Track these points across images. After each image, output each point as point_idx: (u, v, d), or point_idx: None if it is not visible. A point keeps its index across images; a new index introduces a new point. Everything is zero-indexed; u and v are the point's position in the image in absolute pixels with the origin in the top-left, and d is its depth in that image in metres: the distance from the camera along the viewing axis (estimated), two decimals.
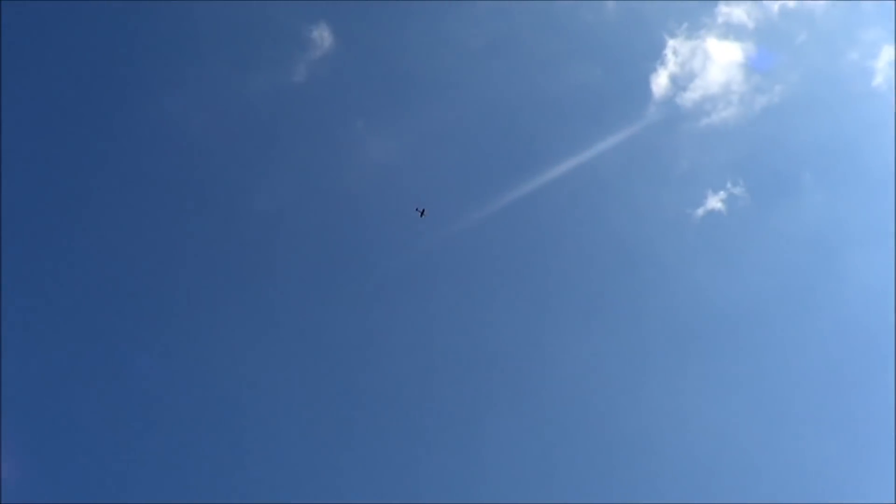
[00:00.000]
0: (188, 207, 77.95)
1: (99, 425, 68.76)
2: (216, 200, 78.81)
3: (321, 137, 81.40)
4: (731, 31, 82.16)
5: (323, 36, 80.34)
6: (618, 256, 78.46)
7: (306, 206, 79.63)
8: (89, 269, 73.87)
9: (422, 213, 63.99)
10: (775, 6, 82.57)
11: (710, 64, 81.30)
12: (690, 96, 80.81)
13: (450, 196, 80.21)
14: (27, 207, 73.25)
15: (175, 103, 79.49)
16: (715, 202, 77.65)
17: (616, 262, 78.44)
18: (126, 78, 79.12)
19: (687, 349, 75.47)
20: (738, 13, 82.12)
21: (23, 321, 70.07)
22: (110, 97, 78.58)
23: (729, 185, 78.00)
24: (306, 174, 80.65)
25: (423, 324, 75.85)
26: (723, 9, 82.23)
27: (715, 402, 72.35)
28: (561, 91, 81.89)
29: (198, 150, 79.34)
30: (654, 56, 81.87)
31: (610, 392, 73.31)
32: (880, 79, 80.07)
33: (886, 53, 79.80)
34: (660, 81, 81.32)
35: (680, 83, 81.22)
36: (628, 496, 68.45)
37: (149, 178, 77.63)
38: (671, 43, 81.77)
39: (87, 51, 79.05)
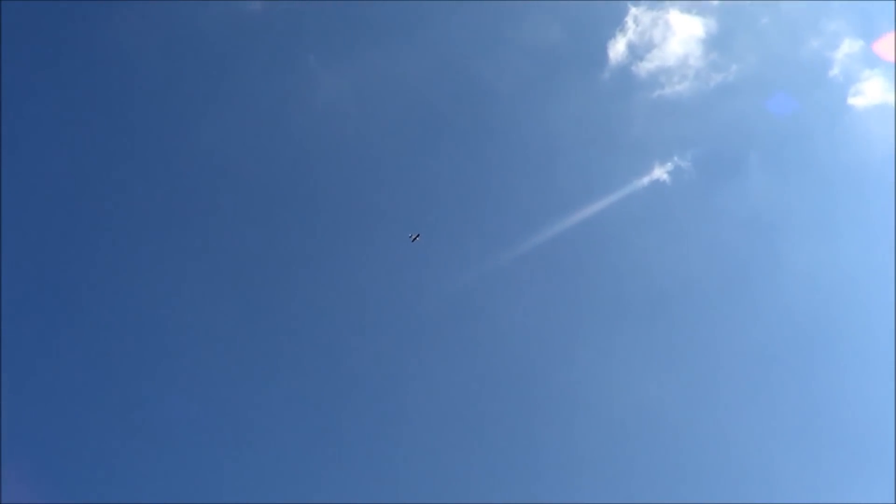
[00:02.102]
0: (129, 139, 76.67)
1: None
2: (156, 134, 77.83)
3: (272, 71, 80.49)
4: (695, 6, 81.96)
5: None
6: (561, 218, 77.72)
7: (250, 145, 78.72)
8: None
9: (414, 239, 69.68)
10: None
11: (670, 36, 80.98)
12: (646, 66, 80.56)
13: (396, 144, 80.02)
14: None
15: (118, 27, 77.98)
16: (661, 173, 77.64)
17: (559, 224, 77.71)
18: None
19: (619, 317, 75.63)
20: None
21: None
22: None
23: (676, 157, 78.00)
24: (253, 110, 79.62)
25: (363, 282, 75.36)
26: None
27: (644, 373, 72.19)
28: (516, 45, 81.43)
29: (140, 78, 78.47)
30: (615, 22, 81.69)
31: (544, 357, 73.51)
32: (837, 70, 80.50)
33: (847, 46, 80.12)
34: (617, 48, 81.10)
35: (637, 52, 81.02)
36: (550, 459, 69.08)
37: (94, 112, 76.74)
38: (633, 11, 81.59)
39: None
